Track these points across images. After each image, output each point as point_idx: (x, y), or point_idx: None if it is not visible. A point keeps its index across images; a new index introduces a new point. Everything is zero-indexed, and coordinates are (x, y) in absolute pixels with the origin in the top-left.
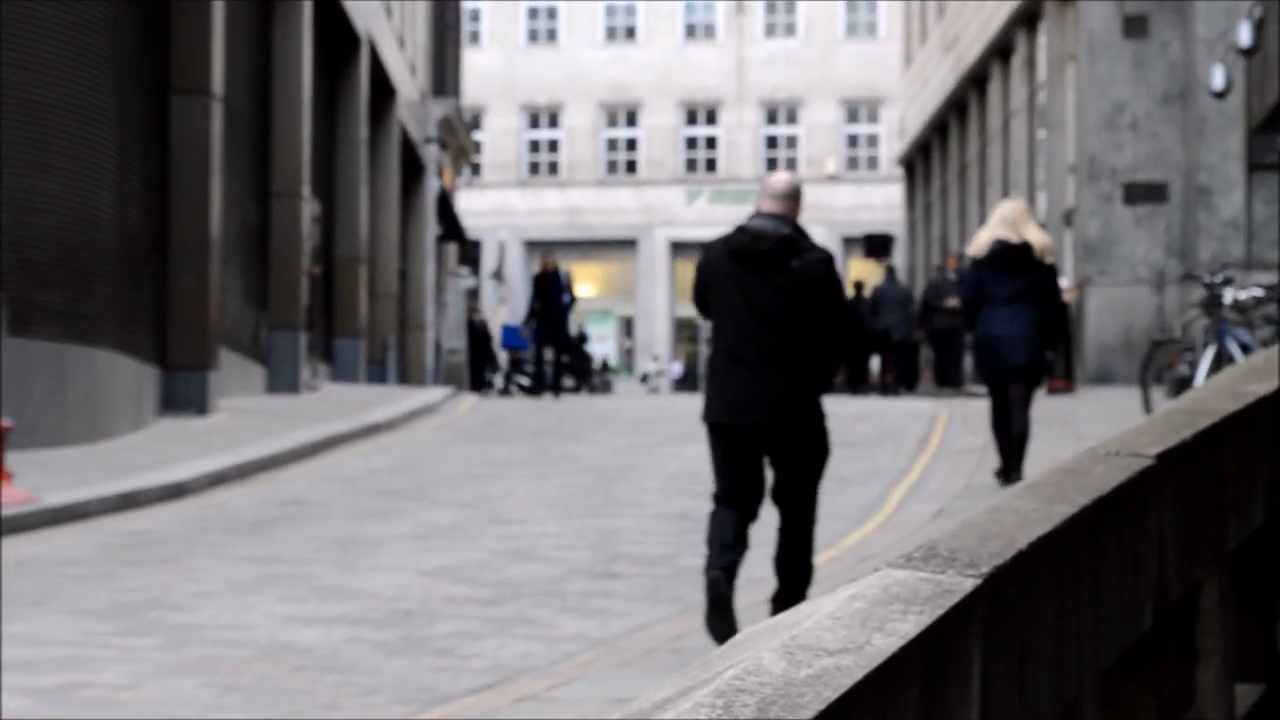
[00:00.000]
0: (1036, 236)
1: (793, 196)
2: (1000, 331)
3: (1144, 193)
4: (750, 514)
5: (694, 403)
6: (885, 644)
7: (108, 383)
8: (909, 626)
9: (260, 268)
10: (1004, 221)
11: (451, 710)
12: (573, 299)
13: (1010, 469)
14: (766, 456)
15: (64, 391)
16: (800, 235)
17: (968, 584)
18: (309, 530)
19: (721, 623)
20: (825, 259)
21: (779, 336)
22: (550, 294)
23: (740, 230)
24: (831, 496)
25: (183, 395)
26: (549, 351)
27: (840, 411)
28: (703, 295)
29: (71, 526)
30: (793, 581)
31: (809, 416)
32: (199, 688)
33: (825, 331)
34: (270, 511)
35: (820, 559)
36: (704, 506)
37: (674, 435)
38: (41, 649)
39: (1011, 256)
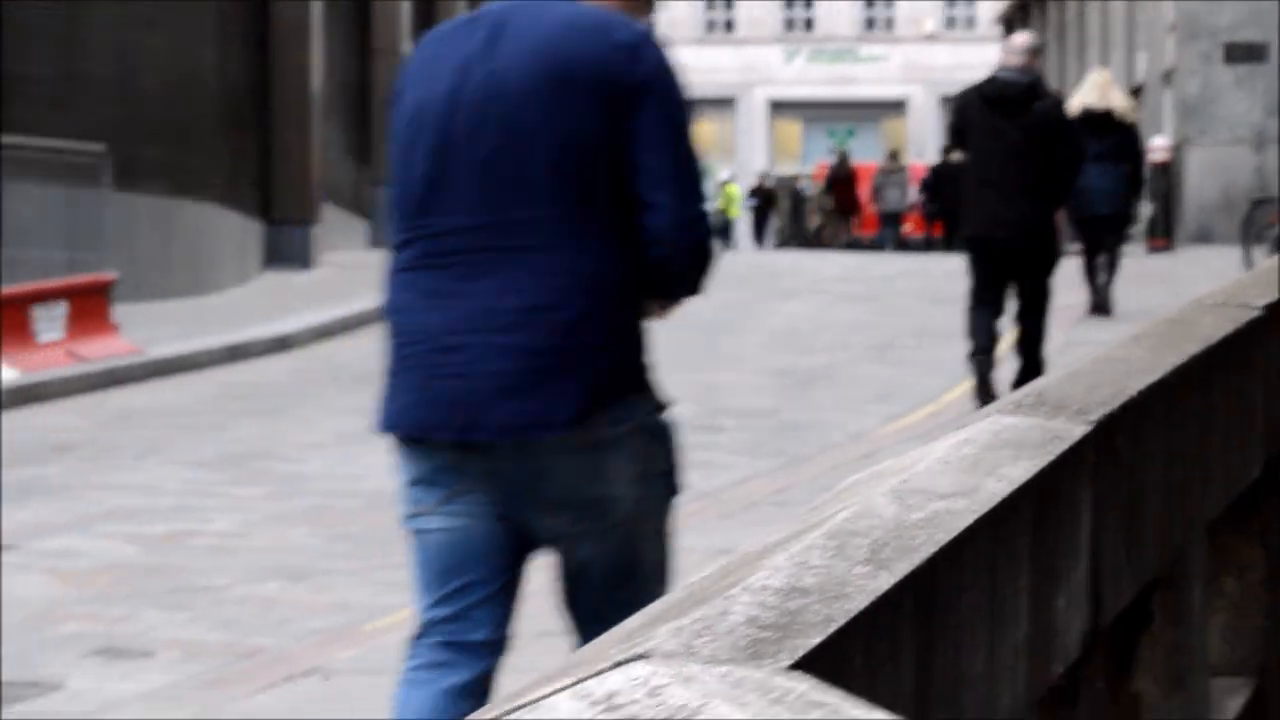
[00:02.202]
0: (1119, 101)
1: (1031, 52)
2: (1090, 184)
3: (1244, 52)
4: (998, 310)
5: (797, 259)
6: (996, 488)
7: (212, 236)
8: (1020, 471)
9: (362, 124)
10: (1092, 88)
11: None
12: None
13: (1100, 300)
14: (1011, 264)
15: (169, 245)
16: (1039, 83)
17: (1078, 431)
18: None
19: (986, 398)
20: (1059, 103)
21: (1022, 166)
22: None
23: (990, 80)
24: (931, 351)
25: (286, 249)
26: None
27: (936, 269)
28: (960, 132)
29: (179, 378)
30: (1028, 368)
31: (1045, 230)
32: (307, 537)
33: (1059, 160)
34: (375, 364)
35: (920, 414)
36: (806, 361)
37: (776, 291)
38: (151, 498)
39: (1097, 121)
